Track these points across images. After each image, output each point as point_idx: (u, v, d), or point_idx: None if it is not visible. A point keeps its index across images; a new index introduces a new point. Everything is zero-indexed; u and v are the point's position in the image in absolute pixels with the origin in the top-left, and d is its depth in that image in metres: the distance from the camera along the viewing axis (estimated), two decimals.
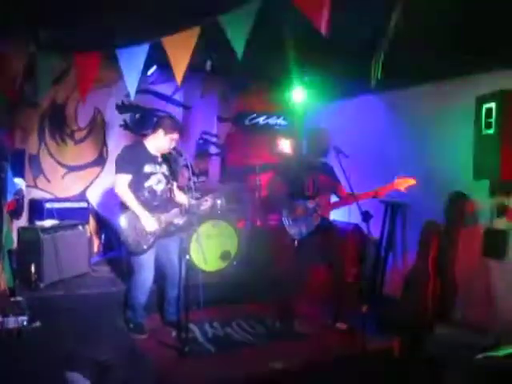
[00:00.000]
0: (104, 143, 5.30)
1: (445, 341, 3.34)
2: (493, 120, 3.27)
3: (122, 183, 3.30)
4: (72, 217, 4.52)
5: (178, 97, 5.66)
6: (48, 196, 4.90)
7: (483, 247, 3.73)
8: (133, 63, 3.24)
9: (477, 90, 3.53)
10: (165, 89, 5.54)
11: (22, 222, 4.47)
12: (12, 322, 3.11)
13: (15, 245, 4.02)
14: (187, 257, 3.28)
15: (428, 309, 3.81)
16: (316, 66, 4.60)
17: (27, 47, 3.77)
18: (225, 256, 4.77)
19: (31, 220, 4.59)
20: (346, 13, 2.78)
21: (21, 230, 4.11)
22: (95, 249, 5.11)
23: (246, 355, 3.34)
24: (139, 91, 4.36)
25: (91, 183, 5.23)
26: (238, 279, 4.59)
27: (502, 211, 3.62)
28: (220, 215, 4.75)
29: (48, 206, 4.50)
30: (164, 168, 3.51)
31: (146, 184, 3.38)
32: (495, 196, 3.68)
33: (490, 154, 3.29)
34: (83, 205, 4.85)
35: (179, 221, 3.51)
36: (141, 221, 3.29)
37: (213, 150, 6.05)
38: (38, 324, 3.22)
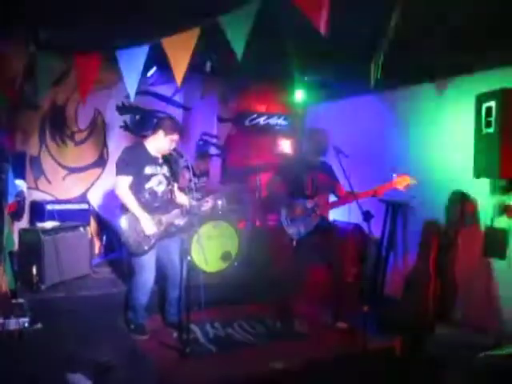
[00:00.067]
0: (104, 144, 5.30)
1: (445, 341, 3.35)
2: (493, 119, 3.27)
3: (122, 185, 3.30)
4: (73, 218, 4.52)
5: (177, 98, 5.67)
6: (49, 197, 4.91)
7: (484, 247, 3.73)
8: (132, 64, 3.23)
9: (476, 89, 3.53)
10: (165, 90, 5.54)
11: (23, 223, 4.47)
12: (13, 323, 3.12)
13: (16, 246, 4.02)
14: (188, 258, 3.28)
15: (429, 309, 3.81)
16: (316, 66, 4.61)
17: (27, 47, 3.77)
18: (226, 257, 4.78)
19: (32, 222, 4.59)
20: (346, 13, 2.78)
21: (22, 232, 4.11)
22: (96, 250, 5.12)
23: (246, 355, 3.34)
24: (139, 92, 4.38)
25: (92, 185, 5.23)
26: (239, 280, 4.60)
27: (502, 209, 3.63)
28: (221, 216, 4.75)
29: (49, 207, 4.51)
30: (165, 169, 3.50)
31: (147, 185, 3.37)
32: (496, 194, 3.68)
33: (490, 153, 3.29)
34: (84, 206, 4.84)
35: (180, 222, 3.51)
36: (140, 223, 3.29)
37: (213, 150, 6.05)
38: (39, 326, 3.24)
